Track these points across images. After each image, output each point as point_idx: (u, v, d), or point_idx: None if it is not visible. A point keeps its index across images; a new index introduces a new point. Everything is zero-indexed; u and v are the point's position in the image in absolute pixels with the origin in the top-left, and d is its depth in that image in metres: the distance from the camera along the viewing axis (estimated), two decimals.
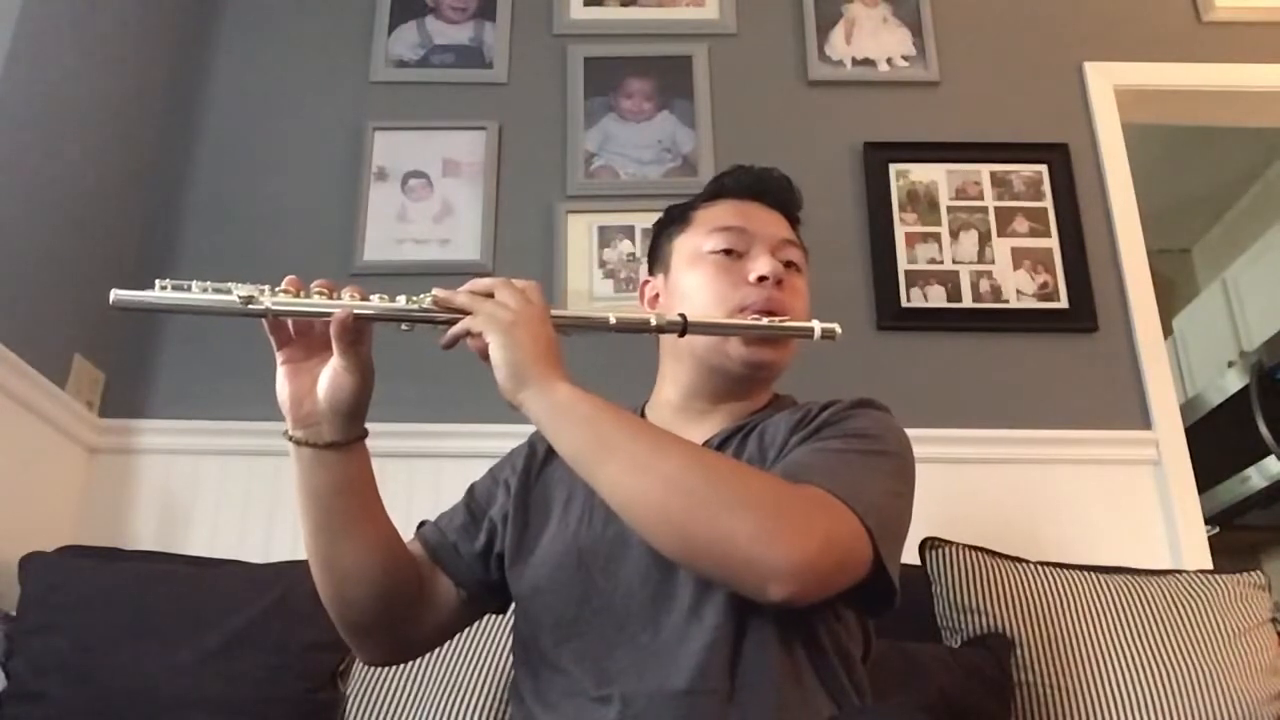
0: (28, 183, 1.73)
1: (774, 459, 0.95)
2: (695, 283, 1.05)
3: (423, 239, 2.10)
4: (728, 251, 1.05)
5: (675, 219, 1.13)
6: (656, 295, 1.12)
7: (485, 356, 0.86)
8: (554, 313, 0.90)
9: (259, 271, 0.87)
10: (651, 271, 1.15)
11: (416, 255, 2.07)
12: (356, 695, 1.46)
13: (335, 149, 2.18)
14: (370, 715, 1.43)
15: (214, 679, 1.40)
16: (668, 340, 1.08)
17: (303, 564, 1.44)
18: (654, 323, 0.96)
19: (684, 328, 0.96)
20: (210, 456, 1.91)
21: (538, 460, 1.07)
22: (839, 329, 0.99)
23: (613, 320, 0.94)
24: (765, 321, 1.00)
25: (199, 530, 1.86)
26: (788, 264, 1.06)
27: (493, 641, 1.47)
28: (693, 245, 1.07)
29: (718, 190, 1.12)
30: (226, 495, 1.88)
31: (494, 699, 1.41)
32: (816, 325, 0.99)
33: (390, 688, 1.45)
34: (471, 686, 1.43)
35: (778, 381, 1.10)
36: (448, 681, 1.44)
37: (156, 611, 1.47)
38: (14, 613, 1.51)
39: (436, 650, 1.43)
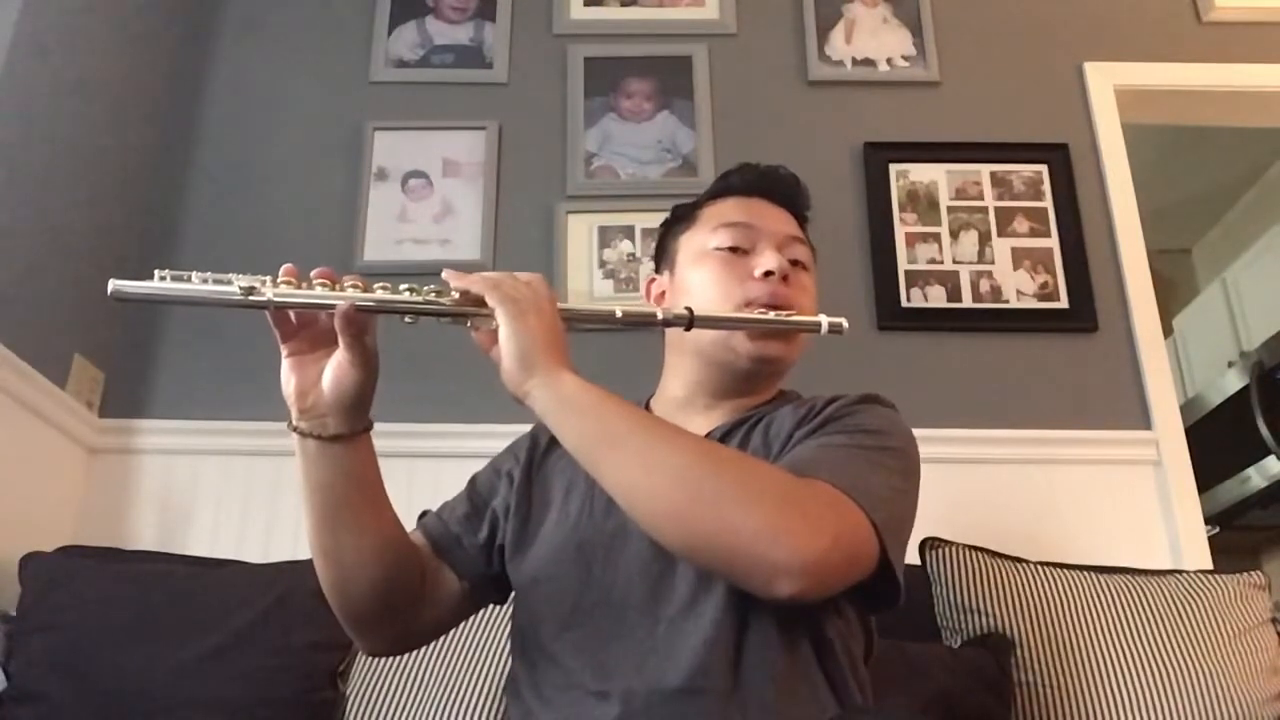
0: (27, 183, 1.73)
1: (778, 453, 0.95)
2: (700, 279, 1.04)
3: (423, 239, 2.10)
4: (734, 249, 1.04)
5: (681, 216, 1.13)
6: (663, 293, 1.12)
7: (488, 349, 0.86)
8: (561, 306, 0.89)
9: (259, 271, 0.86)
10: (658, 269, 1.15)
11: (417, 255, 2.07)
12: (356, 695, 1.46)
13: (335, 149, 2.18)
14: (370, 715, 1.43)
15: (214, 679, 1.40)
16: (673, 335, 1.07)
17: (302, 564, 1.44)
18: (660, 317, 0.95)
19: (690, 322, 0.95)
20: (210, 456, 1.91)
21: (539, 451, 1.07)
22: (846, 323, 0.99)
23: (619, 314, 0.93)
24: (771, 315, 0.99)
25: (199, 530, 1.86)
26: (794, 262, 1.05)
27: (492, 640, 1.47)
28: (698, 242, 1.07)
29: (724, 187, 1.12)
30: (226, 495, 1.88)
31: (493, 697, 1.41)
32: (824, 319, 0.98)
33: (390, 687, 1.45)
34: (471, 685, 1.43)
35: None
36: (447, 680, 1.44)
37: (156, 611, 1.47)
38: (14, 613, 1.51)
39: (435, 648, 1.44)
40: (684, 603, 0.88)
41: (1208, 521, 2.02)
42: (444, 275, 0.87)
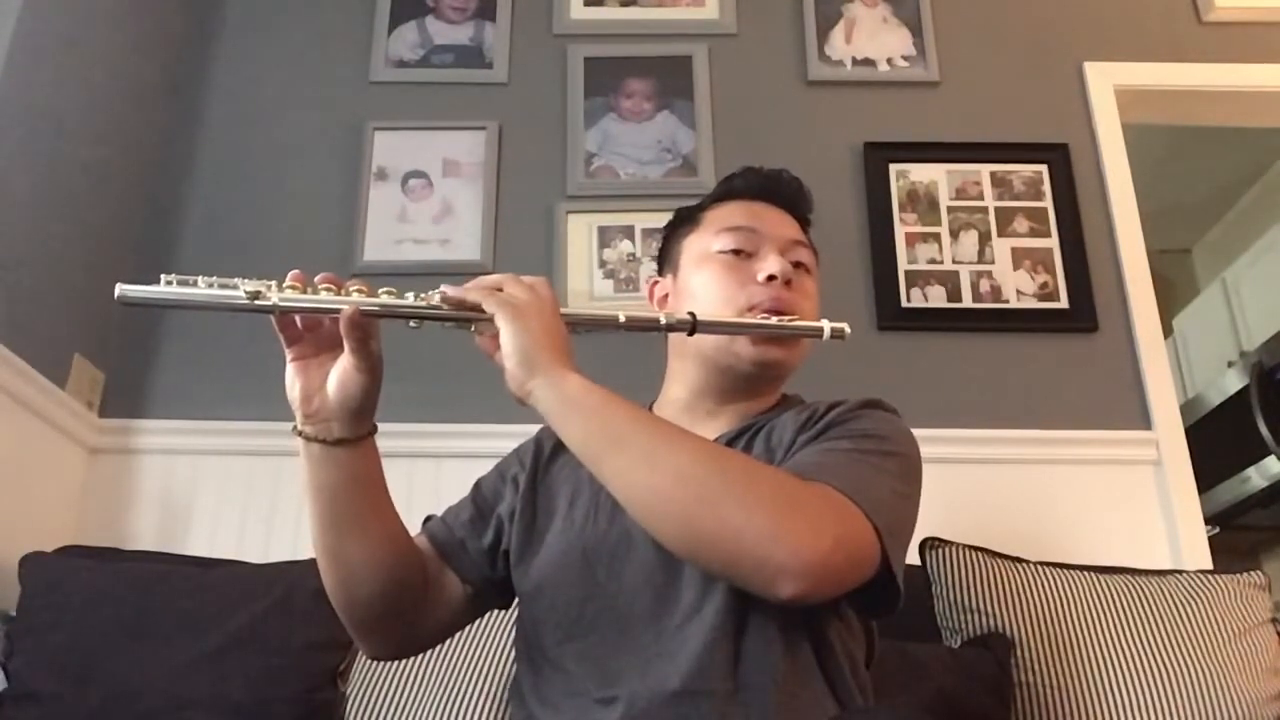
0: (28, 183, 1.73)
1: (781, 458, 0.95)
2: (703, 282, 1.04)
3: (423, 239, 2.10)
4: (736, 251, 1.04)
5: (685, 219, 1.13)
6: (665, 295, 1.12)
7: (492, 353, 0.86)
8: (563, 311, 0.89)
9: (259, 272, 0.86)
10: (661, 272, 1.15)
11: (416, 255, 2.07)
12: (356, 695, 1.46)
13: (335, 149, 2.18)
14: (370, 715, 1.43)
15: (214, 679, 1.40)
16: (676, 339, 1.07)
17: (302, 564, 1.44)
18: (663, 321, 0.95)
19: (693, 326, 0.95)
20: (210, 456, 1.91)
21: (544, 457, 1.06)
22: (848, 329, 0.98)
23: (622, 319, 0.93)
24: (774, 320, 0.99)
25: (199, 530, 1.86)
26: (797, 264, 1.06)
27: (493, 642, 1.47)
28: (701, 245, 1.07)
29: (727, 191, 1.12)
30: (226, 495, 1.88)
31: (494, 699, 1.41)
32: (826, 325, 0.98)
33: (390, 688, 1.45)
34: (472, 686, 1.43)
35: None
36: (448, 681, 1.44)
37: (156, 611, 1.47)
38: (14, 613, 1.51)
39: (437, 650, 1.44)
40: (688, 610, 0.88)
41: (1208, 521, 2.02)
42: (441, 289, 0.86)
